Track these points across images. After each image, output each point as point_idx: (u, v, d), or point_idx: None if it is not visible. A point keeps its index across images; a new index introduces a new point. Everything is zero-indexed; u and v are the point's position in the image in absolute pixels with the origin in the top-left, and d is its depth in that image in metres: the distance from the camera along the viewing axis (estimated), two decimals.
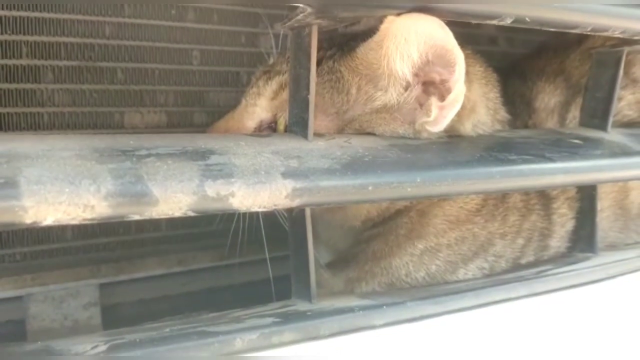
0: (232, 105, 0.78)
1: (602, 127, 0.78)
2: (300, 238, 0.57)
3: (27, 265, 0.83)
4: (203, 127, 0.89)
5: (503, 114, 0.78)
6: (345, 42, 0.69)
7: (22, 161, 0.41)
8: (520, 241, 0.78)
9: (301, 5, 0.49)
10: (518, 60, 1.04)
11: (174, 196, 0.44)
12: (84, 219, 0.42)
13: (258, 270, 0.92)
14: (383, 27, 0.57)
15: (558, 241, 0.81)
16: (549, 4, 0.59)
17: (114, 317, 0.88)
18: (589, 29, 0.65)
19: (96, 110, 0.84)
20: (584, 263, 0.77)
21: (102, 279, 0.86)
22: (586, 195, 0.80)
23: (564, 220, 0.81)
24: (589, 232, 0.80)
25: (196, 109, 0.93)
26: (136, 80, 0.87)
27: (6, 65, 0.78)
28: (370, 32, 0.63)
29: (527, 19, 0.58)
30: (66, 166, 0.42)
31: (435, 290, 0.65)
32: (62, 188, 0.41)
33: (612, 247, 0.86)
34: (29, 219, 0.40)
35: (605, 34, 0.67)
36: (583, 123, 0.81)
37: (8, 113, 0.78)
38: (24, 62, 0.79)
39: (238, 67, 0.96)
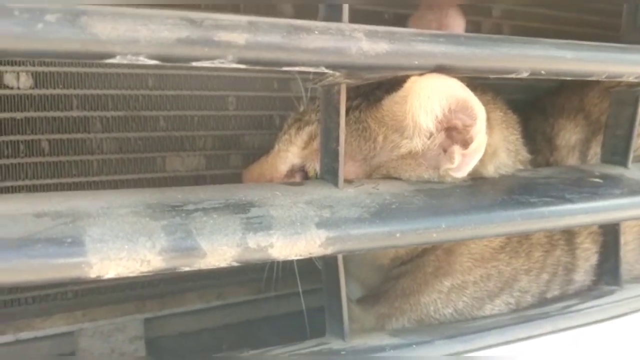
0: (267, 147, 0.82)
1: (623, 163, 0.81)
2: (333, 281, 0.61)
3: (78, 302, 0.89)
4: (239, 169, 0.94)
5: (524, 154, 0.80)
6: (371, 91, 0.72)
7: (84, 220, 0.46)
8: (545, 276, 0.80)
9: (330, 71, 0.54)
10: (540, 96, 1.06)
11: (219, 249, 0.48)
12: (141, 272, 0.46)
13: (293, 303, 0.96)
14: (407, 85, 0.61)
15: (583, 275, 0.83)
16: (562, 56, 0.63)
17: (158, 349, 0.93)
18: (604, 77, 0.68)
19: (140, 157, 0.90)
20: (609, 297, 0.79)
21: (147, 314, 0.91)
22: (609, 230, 0.82)
23: (587, 255, 0.83)
24: (613, 266, 0.82)
25: (232, 152, 0.98)
26: (177, 127, 0.93)
27: (58, 117, 0.84)
28: (394, 82, 0.66)
29: (542, 71, 0.62)
30: (124, 224, 0.47)
31: (462, 328, 0.68)
32: (122, 245, 0.45)
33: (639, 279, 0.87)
34: (93, 274, 0.44)
35: (619, 79, 0.70)
36: (604, 160, 0.84)
37: (60, 161, 0.84)
38: (74, 113, 0.85)
39: (271, 110, 1.00)
